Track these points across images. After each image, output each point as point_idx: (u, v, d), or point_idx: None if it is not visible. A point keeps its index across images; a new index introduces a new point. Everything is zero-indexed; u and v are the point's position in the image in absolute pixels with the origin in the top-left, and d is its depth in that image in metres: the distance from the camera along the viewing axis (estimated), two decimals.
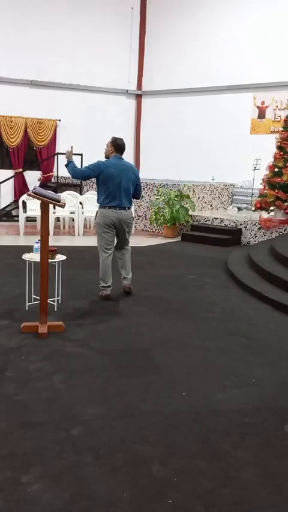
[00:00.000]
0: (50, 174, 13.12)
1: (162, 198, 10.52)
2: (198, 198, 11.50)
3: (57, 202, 4.56)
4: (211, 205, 12.03)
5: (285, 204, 9.56)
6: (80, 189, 12.09)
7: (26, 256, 5.24)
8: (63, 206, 4.69)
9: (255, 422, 3.19)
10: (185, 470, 2.66)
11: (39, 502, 2.37)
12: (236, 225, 10.20)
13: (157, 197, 10.69)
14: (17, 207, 10.66)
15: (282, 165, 9.65)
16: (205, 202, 11.80)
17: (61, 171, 12.46)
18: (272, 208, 9.88)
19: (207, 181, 12.61)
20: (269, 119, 12.37)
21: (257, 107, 12.54)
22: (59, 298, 5.44)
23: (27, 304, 5.26)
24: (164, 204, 10.41)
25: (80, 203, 10.52)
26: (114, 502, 2.39)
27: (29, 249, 5.54)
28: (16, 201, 12.06)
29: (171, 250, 9.21)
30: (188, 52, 13.49)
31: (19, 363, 3.91)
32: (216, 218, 10.55)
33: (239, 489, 2.53)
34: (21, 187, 12.74)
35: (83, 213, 10.51)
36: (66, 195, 10.38)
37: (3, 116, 12.47)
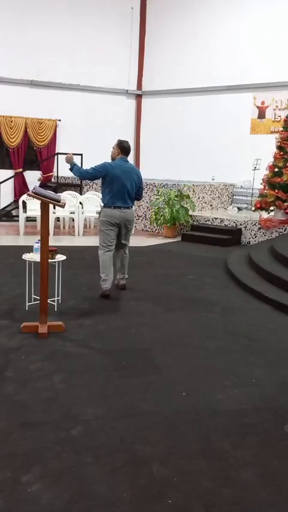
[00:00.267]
0: (50, 174, 13.12)
1: (162, 198, 10.52)
2: (198, 198, 11.50)
3: (57, 202, 4.56)
4: (211, 205, 12.03)
5: (285, 204, 9.56)
6: (80, 189, 12.09)
7: (26, 256, 5.24)
8: (63, 206, 4.69)
9: (255, 422, 3.19)
10: (185, 470, 2.66)
11: (39, 502, 2.37)
12: (236, 225, 10.20)
13: (157, 197, 10.69)
14: (17, 207, 10.66)
15: (282, 165, 9.65)
16: (205, 202, 11.81)
17: (61, 171, 12.47)
18: (272, 208, 9.89)
19: (207, 181, 12.61)
20: (269, 118, 12.37)
21: (257, 107, 12.55)
22: (59, 298, 5.44)
23: (27, 304, 5.26)
24: (164, 204, 10.41)
25: (80, 203, 10.52)
26: (114, 502, 2.39)
27: (29, 249, 5.54)
28: (16, 201, 12.06)
29: (171, 250, 9.21)
30: (188, 52, 13.49)
31: (19, 363, 3.91)
32: (216, 218, 10.56)
33: (239, 489, 2.53)
34: (21, 187, 12.74)
35: (83, 213, 10.51)
36: (66, 195, 10.37)
37: (3, 116, 12.47)
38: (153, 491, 2.47)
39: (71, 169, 5.72)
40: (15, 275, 6.49)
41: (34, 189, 4.54)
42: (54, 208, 9.44)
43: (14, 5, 12.41)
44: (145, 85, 14.51)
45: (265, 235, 9.64)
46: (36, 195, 4.46)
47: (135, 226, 10.76)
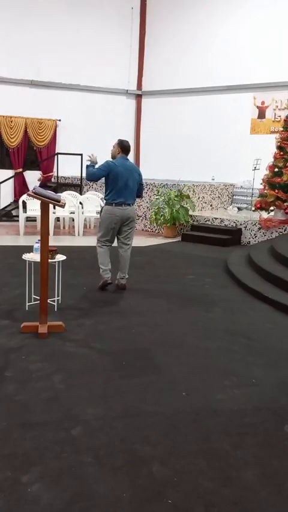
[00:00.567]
0: (50, 174, 13.12)
1: (162, 198, 10.52)
2: (198, 198, 11.50)
3: (57, 202, 4.56)
4: (211, 205, 12.03)
5: (285, 204, 9.56)
6: (80, 189, 12.09)
7: (26, 256, 5.24)
8: (63, 206, 4.69)
9: (255, 422, 3.19)
10: (185, 470, 2.66)
11: (39, 502, 2.37)
12: (236, 225, 10.20)
13: (157, 197, 10.69)
14: (17, 207, 10.66)
15: (282, 165, 9.65)
16: (205, 202, 11.81)
17: (61, 171, 12.48)
18: (272, 208, 9.89)
19: (207, 181, 12.61)
20: (269, 118, 12.37)
21: (257, 107, 12.55)
22: (59, 298, 5.44)
23: (27, 304, 5.26)
24: (164, 204, 10.41)
25: (80, 203, 10.52)
26: (114, 502, 2.39)
27: (29, 249, 5.54)
28: (16, 201, 12.06)
29: (171, 250, 9.21)
30: (188, 52, 13.49)
31: (19, 363, 3.91)
32: (216, 218, 10.55)
33: (239, 489, 2.53)
34: (21, 187, 12.74)
35: (83, 213, 10.51)
36: (66, 195, 10.37)
37: (3, 116, 12.47)
38: (153, 491, 2.47)
39: (87, 166, 5.90)
40: (15, 275, 6.49)
41: (34, 189, 4.55)
42: (54, 208, 9.44)
43: (14, 5, 12.41)
44: (145, 85, 14.51)
45: (265, 235, 9.64)
46: (36, 195, 4.46)
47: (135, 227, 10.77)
